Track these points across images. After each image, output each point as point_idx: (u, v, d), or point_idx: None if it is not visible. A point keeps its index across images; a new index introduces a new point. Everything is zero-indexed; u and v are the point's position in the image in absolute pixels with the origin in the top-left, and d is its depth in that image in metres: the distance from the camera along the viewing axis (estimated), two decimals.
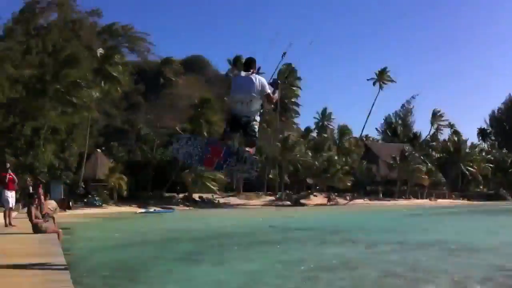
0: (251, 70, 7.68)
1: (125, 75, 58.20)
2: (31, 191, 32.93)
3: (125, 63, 61.50)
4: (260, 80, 7.56)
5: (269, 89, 7.54)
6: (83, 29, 69.99)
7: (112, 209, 48.02)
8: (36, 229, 13.20)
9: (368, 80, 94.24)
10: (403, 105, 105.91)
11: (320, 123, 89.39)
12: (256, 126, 7.66)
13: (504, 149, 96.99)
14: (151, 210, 49.88)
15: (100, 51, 57.20)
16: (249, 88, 7.47)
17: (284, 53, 8.15)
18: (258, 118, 7.69)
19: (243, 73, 7.65)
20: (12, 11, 65.82)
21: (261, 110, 7.84)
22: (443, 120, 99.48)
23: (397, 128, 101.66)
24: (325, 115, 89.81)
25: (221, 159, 7.57)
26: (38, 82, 47.63)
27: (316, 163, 70.68)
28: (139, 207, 50.72)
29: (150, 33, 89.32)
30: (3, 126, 44.37)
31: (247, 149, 7.62)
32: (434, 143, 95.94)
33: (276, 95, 7.78)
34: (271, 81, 7.91)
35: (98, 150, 57.38)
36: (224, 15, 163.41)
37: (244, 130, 7.57)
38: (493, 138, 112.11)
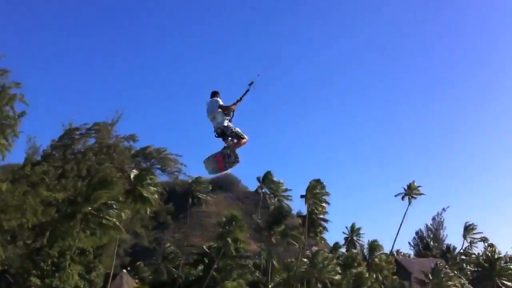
0: (215, 98, 11.96)
1: (155, 196, 59.92)
2: None
3: (156, 184, 63.48)
4: (215, 100, 11.80)
5: (221, 103, 11.73)
6: (118, 153, 73.70)
7: None
8: None
9: (396, 196, 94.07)
10: (433, 218, 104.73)
11: (349, 238, 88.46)
12: (230, 127, 11.59)
13: None
14: None
15: (134, 172, 59.24)
16: (211, 109, 11.70)
17: (252, 82, 12.05)
18: (226, 123, 11.66)
19: (207, 100, 11.98)
20: (51, 138, 70.46)
21: (227, 118, 11.79)
22: (476, 233, 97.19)
23: (429, 242, 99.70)
24: (354, 230, 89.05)
25: (223, 162, 11.73)
26: (70, 205, 49.72)
27: (344, 281, 69.28)
28: None
29: (182, 155, 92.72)
30: (32, 248, 45.81)
31: (243, 141, 11.96)
32: (467, 257, 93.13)
33: (231, 107, 11.85)
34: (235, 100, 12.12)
35: (124, 270, 58.01)
36: (254, 138, 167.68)
37: (227, 135, 11.61)
38: None
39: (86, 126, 74.20)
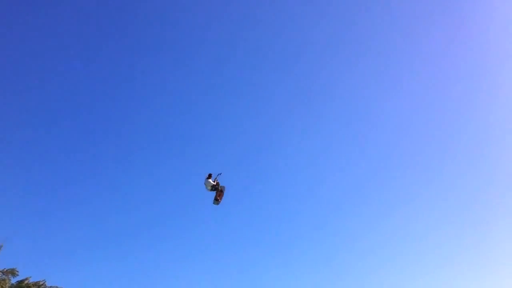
0: (209, 177, 31.67)
1: None
2: None
3: None
4: (208, 181, 31.57)
5: (212, 182, 31.75)
6: None
7: None
8: None
9: None
10: None
11: None
12: (215, 187, 32.03)
13: None
14: None
15: None
16: (206, 184, 31.57)
17: (220, 173, 31.84)
18: (212, 187, 31.84)
19: (205, 179, 31.68)
20: None
21: (212, 186, 31.82)
22: None
23: None
24: None
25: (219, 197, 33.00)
26: None
27: None
28: None
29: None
30: None
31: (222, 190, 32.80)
32: None
33: (214, 183, 32.16)
34: (219, 187, 32.56)
35: None
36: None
37: (216, 188, 32.05)
38: None
39: None
